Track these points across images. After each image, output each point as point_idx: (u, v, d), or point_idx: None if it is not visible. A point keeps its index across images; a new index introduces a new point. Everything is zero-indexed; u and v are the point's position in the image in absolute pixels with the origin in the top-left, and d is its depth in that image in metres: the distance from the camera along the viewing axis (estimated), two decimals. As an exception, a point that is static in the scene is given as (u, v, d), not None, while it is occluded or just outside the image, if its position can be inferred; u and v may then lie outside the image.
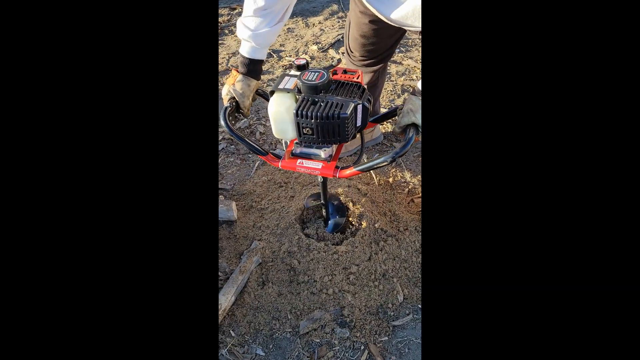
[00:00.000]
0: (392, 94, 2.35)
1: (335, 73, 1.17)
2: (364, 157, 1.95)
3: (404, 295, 1.42)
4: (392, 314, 1.39)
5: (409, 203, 1.72)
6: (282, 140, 1.19)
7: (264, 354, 1.31)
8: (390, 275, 1.45)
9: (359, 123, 1.12)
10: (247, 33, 1.22)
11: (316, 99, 1.08)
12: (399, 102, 2.30)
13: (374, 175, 1.80)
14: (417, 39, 2.75)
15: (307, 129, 1.08)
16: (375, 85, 1.77)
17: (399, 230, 1.57)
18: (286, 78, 1.16)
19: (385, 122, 2.17)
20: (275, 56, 2.74)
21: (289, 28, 3.06)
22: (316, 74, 1.10)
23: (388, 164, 1.13)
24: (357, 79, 1.15)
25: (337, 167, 1.19)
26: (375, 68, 1.68)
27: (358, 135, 2.21)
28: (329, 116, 1.04)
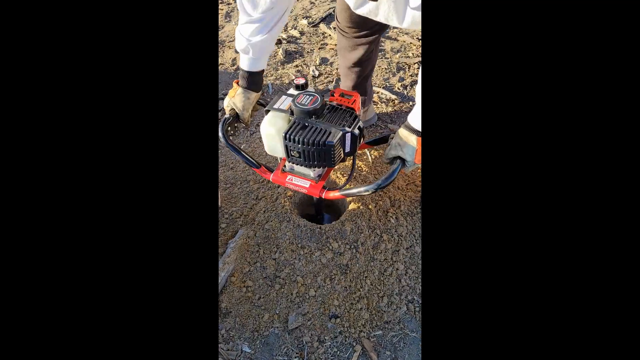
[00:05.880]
0: (386, 72, 2.22)
1: (332, 95, 1.19)
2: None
3: (398, 287, 1.34)
4: (386, 306, 1.30)
5: (407, 185, 1.62)
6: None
7: (250, 350, 1.22)
8: (384, 265, 1.37)
9: (347, 150, 1.13)
10: (243, 43, 1.23)
11: (306, 124, 1.09)
12: (393, 80, 2.17)
13: (368, 154, 1.69)
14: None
15: (295, 152, 1.10)
16: (369, 59, 1.63)
17: (395, 216, 1.48)
18: (283, 97, 1.18)
19: (379, 103, 2.05)
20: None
21: (277, 0, 2.88)
22: (310, 97, 1.11)
23: (370, 194, 1.22)
24: (352, 104, 1.16)
25: (324, 188, 1.23)
26: (368, 40, 1.55)
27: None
28: (316, 142, 1.05)
